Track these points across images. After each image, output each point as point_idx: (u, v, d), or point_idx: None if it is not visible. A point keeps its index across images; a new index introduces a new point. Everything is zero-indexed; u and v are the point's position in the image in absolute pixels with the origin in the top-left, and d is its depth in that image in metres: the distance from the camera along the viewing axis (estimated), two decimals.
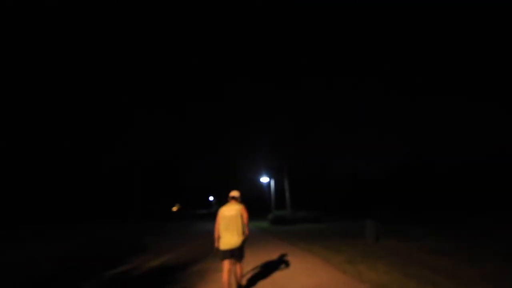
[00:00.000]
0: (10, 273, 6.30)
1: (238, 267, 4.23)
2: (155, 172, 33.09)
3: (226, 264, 4.06)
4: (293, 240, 10.64)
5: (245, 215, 4.21)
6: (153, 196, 33.95)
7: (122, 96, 23.36)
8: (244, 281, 4.88)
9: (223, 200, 5.16)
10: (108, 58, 23.38)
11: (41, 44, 22.92)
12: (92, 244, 10.70)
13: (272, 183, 24.35)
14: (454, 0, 36.55)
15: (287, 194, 24.07)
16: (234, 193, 4.43)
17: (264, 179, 25.35)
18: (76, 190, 26.00)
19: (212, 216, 24.43)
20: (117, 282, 5.41)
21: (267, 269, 6.02)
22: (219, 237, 4.15)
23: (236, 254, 4.07)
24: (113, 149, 24.99)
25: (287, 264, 6.52)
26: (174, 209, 62.15)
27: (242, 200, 4.52)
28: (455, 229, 14.11)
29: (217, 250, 4.12)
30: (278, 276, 5.49)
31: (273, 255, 7.65)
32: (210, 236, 12.21)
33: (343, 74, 32.80)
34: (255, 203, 30.43)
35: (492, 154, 33.11)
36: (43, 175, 23.91)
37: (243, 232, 4.15)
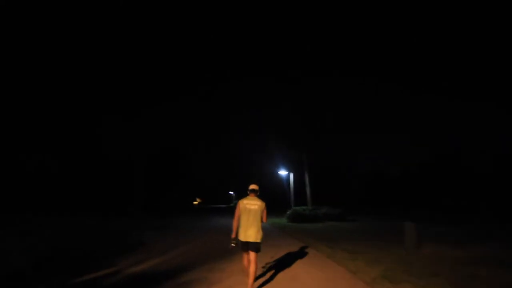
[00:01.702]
0: None
1: (253, 257, 4.09)
2: (168, 163, 32.38)
3: (245, 254, 4.18)
4: (313, 242, 9.07)
5: (265, 213, 4.26)
6: (163, 188, 33.02)
7: (136, 88, 22.84)
8: (259, 271, 4.93)
9: (241, 194, 4.37)
10: (115, 53, 22.90)
11: (67, 36, 22.72)
12: (79, 239, 9.57)
13: (292, 177, 22.61)
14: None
15: (308, 189, 22.33)
16: (254, 186, 4.41)
17: (283, 172, 23.67)
18: (77, 181, 24.96)
19: (230, 211, 23.33)
20: None
21: (273, 284, 4.54)
22: (237, 229, 4.18)
23: (252, 247, 4.09)
24: (123, 141, 24.35)
25: (301, 277, 5.01)
26: (195, 203, 65.95)
27: (261, 194, 4.46)
28: (490, 229, 13.36)
29: (235, 241, 4.14)
30: None
31: (285, 262, 6.15)
32: (219, 234, 11.06)
33: (363, 74, 30.95)
34: (273, 197, 28.93)
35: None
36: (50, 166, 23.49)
37: (262, 228, 4.18)
